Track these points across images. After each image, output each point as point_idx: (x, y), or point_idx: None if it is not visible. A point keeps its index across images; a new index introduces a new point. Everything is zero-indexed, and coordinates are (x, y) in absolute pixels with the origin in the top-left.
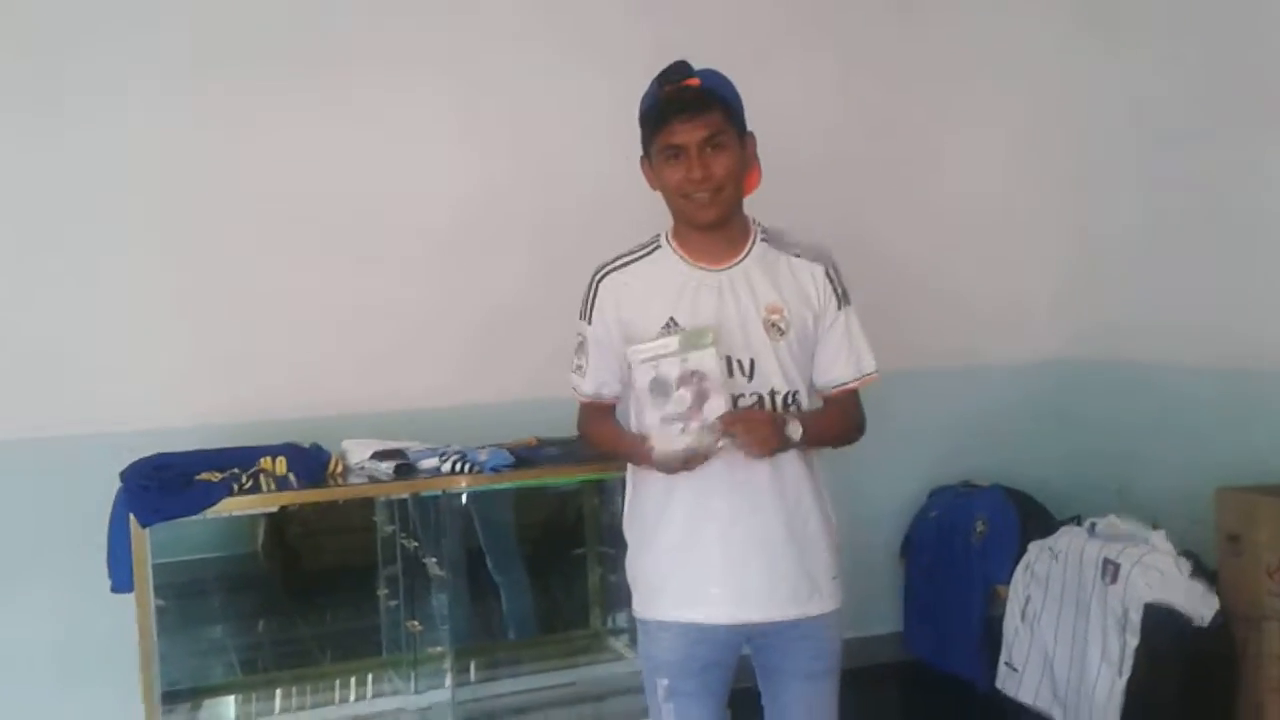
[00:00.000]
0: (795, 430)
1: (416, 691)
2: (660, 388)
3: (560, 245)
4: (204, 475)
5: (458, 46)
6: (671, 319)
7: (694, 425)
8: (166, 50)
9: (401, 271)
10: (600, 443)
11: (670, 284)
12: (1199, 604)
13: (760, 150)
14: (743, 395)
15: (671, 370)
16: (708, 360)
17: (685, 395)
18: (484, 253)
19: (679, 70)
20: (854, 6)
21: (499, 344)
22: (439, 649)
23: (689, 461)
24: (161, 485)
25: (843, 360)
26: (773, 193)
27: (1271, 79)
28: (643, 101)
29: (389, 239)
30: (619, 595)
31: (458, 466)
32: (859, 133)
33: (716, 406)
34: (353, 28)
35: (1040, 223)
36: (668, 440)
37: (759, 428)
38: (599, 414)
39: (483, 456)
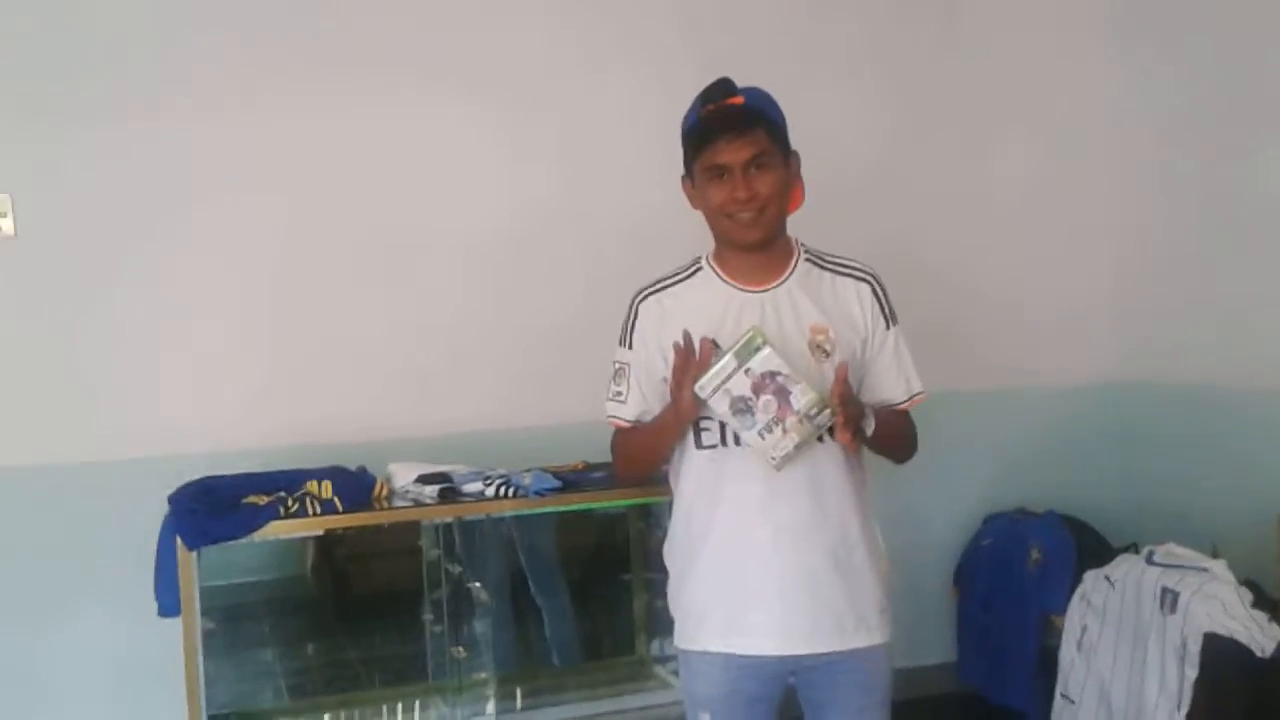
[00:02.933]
0: (870, 423)
1: (461, 719)
2: (742, 405)
3: (609, 267)
4: (250, 498)
5: (504, 64)
6: (714, 342)
7: (791, 421)
8: (212, 71)
9: (449, 296)
10: (639, 443)
11: (712, 306)
12: (1260, 635)
13: (806, 168)
14: None
15: (743, 385)
16: (770, 359)
17: (769, 401)
18: (532, 276)
19: (722, 88)
20: (900, 22)
21: (548, 367)
22: (483, 675)
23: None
24: (208, 508)
25: (891, 381)
26: (819, 211)
27: None
28: (685, 120)
29: (436, 263)
30: (664, 622)
31: (502, 491)
32: (906, 149)
33: (801, 394)
34: (403, 49)
35: (1095, 242)
36: (775, 448)
37: (854, 406)
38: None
39: (526, 480)
